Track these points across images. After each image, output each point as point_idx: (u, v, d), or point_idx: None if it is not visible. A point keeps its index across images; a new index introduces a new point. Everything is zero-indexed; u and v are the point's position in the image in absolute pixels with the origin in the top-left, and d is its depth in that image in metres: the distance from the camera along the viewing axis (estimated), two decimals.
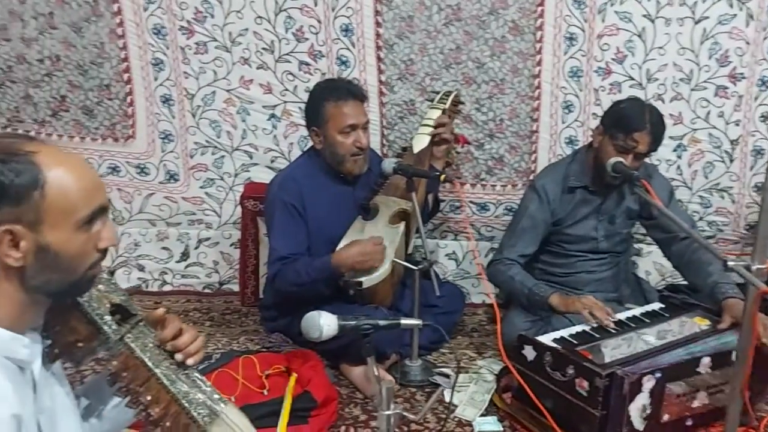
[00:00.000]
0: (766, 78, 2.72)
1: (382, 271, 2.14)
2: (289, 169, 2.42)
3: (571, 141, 2.84)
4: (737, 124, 2.78)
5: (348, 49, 2.78)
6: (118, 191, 2.99)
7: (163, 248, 3.04)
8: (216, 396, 1.24)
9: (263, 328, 2.56)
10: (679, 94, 2.76)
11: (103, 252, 1.07)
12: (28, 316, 1.05)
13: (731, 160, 2.83)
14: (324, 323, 1.25)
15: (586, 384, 1.77)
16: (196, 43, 2.79)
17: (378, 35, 2.76)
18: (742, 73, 2.71)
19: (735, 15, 2.64)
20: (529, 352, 1.94)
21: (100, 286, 1.21)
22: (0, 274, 0.99)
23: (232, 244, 3.01)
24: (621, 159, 2.18)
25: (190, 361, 1.20)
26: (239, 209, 2.91)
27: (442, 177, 2.08)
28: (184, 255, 3.04)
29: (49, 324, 1.13)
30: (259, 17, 2.75)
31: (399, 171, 2.11)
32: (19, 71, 2.86)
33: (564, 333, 2.03)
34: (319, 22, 2.75)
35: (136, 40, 2.79)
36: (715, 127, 2.79)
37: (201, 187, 2.97)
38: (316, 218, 2.27)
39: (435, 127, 2.41)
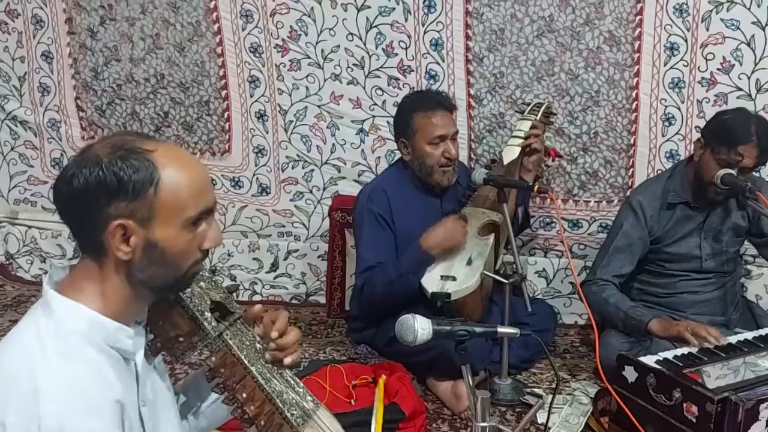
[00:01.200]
0: None
1: (472, 283, 2.09)
2: (377, 180, 2.43)
3: (672, 155, 2.70)
4: None
5: (437, 63, 2.78)
6: None
7: (254, 259, 3.12)
8: (309, 398, 1.24)
9: (349, 340, 2.56)
10: None
11: (206, 252, 1.09)
12: (133, 309, 1.08)
13: None
14: (419, 326, 1.22)
15: (695, 409, 1.65)
16: (290, 61, 2.88)
17: (468, 48, 2.75)
18: None
19: None
20: (630, 374, 1.82)
21: (202, 284, 1.24)
22: (110, 267, 1.03)
23: (319, 256, 3.05)
24: (731, 171, 2.04)
25: (288, 361, 1.20)
26: (327, 222, 2.95)
27: (536, 187, 2.02)
28: (274, 266, 3.11)
29: (152, 319, 1.17)
30: (351, 34, 2.80)
31: (490, 181, 2.07)
32: (128, 89, 3.04)
33: (668, 354, 1.91)
34: (409, 37, 2.77)
35: (234, 59, 2.92)
36: None
37: (291, 200, 3.04)
38: (403, 229, 2.26)
39: (526, 138, 2.36)
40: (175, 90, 3.01)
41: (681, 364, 1.84)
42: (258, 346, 1.24)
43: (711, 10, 2.53)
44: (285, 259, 3.10)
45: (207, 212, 1.07)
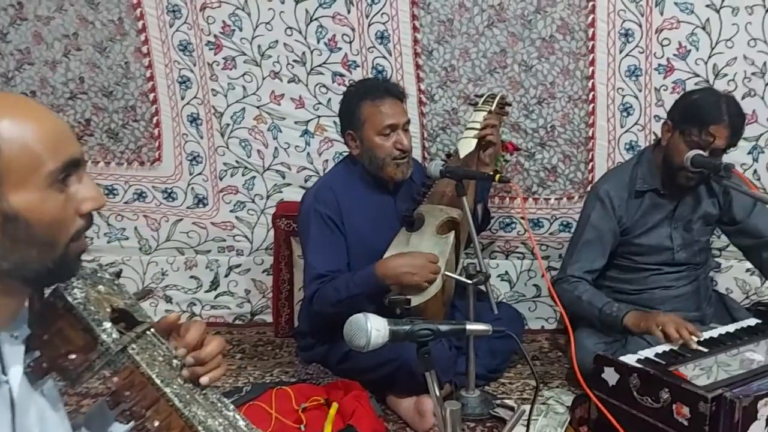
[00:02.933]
0: None
1: (433, 286, 1.89)
2: (324, 178, 2.22)
3: (631, 147, 2.57)
4: None
5: (384, 57, 2.60)
6: (144, 218, 2.83)
7: (192, 277, 2.84)
8: (242, 423, 1.00)
9: (299, 359, 2.31)
10: (752, 90, 2.49)
11: (88, 218, 0.85)
12: (1, 312, 0.83)
13: None
14: (372, 327, 1.01)
15: (686, 410, 1.47)
16: (224, 58, 2.65)
17: (416, 41, 2.58)
18: None
19: None
20: (611, 376, 1.64)
21: (101, 287, 1.00)
22: None
23: (264, 271, 2.79)
24: (701, 152, 1.91)
25: (204, 380, 0.97)
26: (272, 233, 2.70)
27: (497, 177, 1.84)
28: (214, 284, 2.83)
29: (36, 332, 0.92)
30: (290, 28, 2.60)
31: (447, 173, 1.88)
32: (43, 96, 2.74)
33: (648, 353, 1.74)
34: (353, 30, 2.59)
35: (162, 58, 2.67)
36: None
37: (231, 211, 2.79)
38: (355, 231, 2.05)
39: (481, 130, 2.19)
40: (96, 95, 2.73)
41: (665, 362, 1.67)
42: (175, 362, 1.00)
43: None
44: (226, 275, 2.83)
45: (73, 164, 0.84)
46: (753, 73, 2.47)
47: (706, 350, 1.75)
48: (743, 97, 2.48)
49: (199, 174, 2.77)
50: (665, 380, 1.52)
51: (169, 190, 2.79)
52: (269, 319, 2.77)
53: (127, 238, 2.84)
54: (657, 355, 1.73)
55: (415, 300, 1.85)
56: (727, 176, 1.77)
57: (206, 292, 2.83)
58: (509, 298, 2.71)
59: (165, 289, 2.82)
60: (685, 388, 1.48)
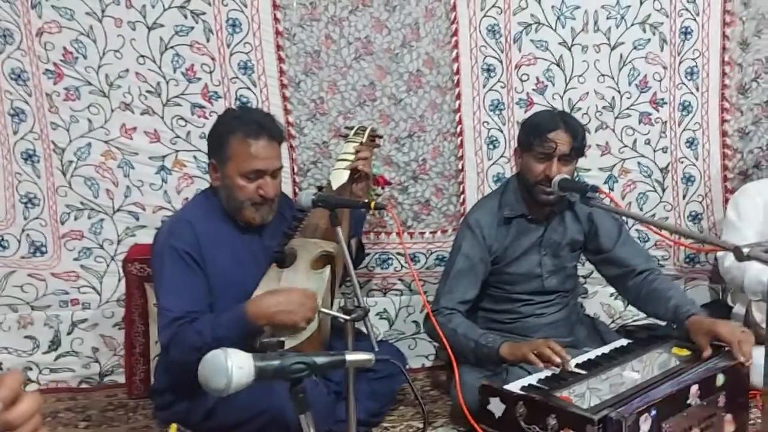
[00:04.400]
0: (687, 102, 2.65)
1: (309, 326, 1.72)
2: (181, 211, 2.00)
3: (499, 179, 2.62)
4: (665, 151, 2.68)
5: (248, 88, 2.47)
6: None
7: (27, 337, 2.45)
8: None
9: (156, 421, 2.02)
10: (603, 123, 2.64)
11: None
12: None
13: (663, 189, 2.71)
14: (233, 364, 0.83)
15: None
16: (66, 89, 2.38)
17: (282, 72, 2.48)
18: (663, 99, 2.63)
19: (649, 40, 2.59)
20: (497, 406, 1.57)
21: None
22: None
23: (115, 325, 2.47)
24: (566, 176, 1.95)
25: None
26: (123, 282, 2.40)
27: (372, 204, 1.73)
28: (54, 344, 2.46)
29: None
30: (142, 56, 2.39)
31: (319, 203, 1.75)
32: None
33: (531, 380, 1.69)
34: (213, 59, 2.43)
35: None
36: (643, 156, 2.68)
37: (75, 260, 2.46)
38: (217, 269, 1.83)
39: (354, 161, 2.10)
40: None
41: (548, 387, 1.63)
42: None
43: (521, 32, 2.54)
44: (69, 333, 2.47)
45: None
46: (604, 107, 2.63)
47: (585, 372, 1.73)
48: (596, 130, 2.63)
49: (36, 218, 2.43)
50: (551, 405, 1.47)
51: (0, 238, 2.42)
52: (121, 379, 2.44)
53: None
54: (540, 381, 1.68)
55: (290, 342, 1.68)
56: (593, 196, 1.80)
57: (44, 353, 2.45)
58: (388, 336, 2.61)
59: None
60: (572, 412, 1.44)
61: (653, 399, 1.51)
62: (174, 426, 1.61)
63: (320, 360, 0.92)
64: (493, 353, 1.94)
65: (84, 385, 2.46)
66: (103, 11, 2.34)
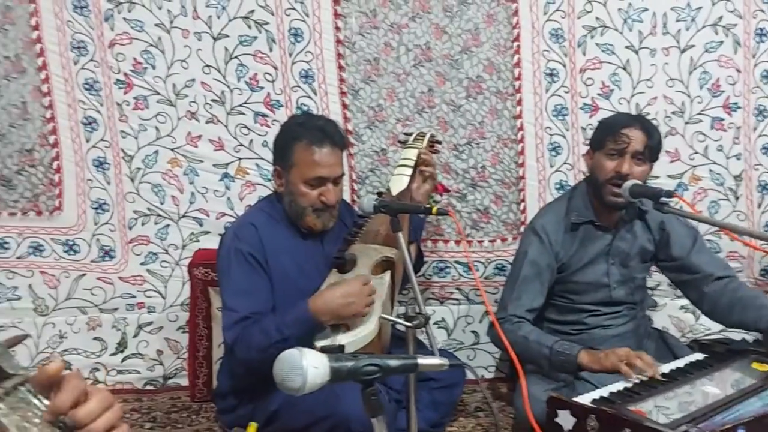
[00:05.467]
0: (762, 107, 2.53)
1: (369, 331, 1.71)
2: (245, 215, 2.03)
3: (561, 186, 2.55)
4: (738, 158, 2.55)
5: (309, 96, 2.49)
6: (41, 274, 2.51)
7: (95, 339, 2.53)
8: None
9: (219, 424, 2.04)
10: (673, 129, 2.54)
11: None
12: None
13: (737, 198, 2.58)
14: (308, 364, 0.83)
15: None
16: (135, 98, 2.46)
17: (342, 80, 2.49)
18: (736, 103, 2.52)
19: (721, 42, 2.48)
20: (566, 419, 1.51)
21: None
22: None
23: (179, 328, 2.52)
24: (637, 181, 1.88)
25: None
26: (188, 287, 2.46)
27: (434, 209, 1.71)
28: (121, 346, 2.53)
29: None
30: (207, 66, 2.45)
31: (382, 208, 1.74)
32: None
33: (602, 392, 1.62)
34: (275, 68, 2.47)
35: (65, 98, 2.44)
36: (715, 162, 2.56)
37: (142, 264, 2.53)
38: (280, 272, 1.85)
39: (415, 167, 2.09)
40: None
41: (620, 401, 1.56)
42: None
43: (585, 35, 2.48)
44: (135, 336, 2.54)
45: None
46: (673, 112, 2.53)
47: (659, 387, 1.65)
48: (665, 136, 2.52)
49: (106, 223, 2.51)
50: (626, 419, 1.40)
51: (71, 242, 2.51)
52: (185, 382, 2.49)
53: (20, 298, 2.51)
54: (611, 394, 1.61)
55: (350, 346, 1.67)
56: (666, 203, 1.73)
57: (112, 355, 2.52)
58: (447, 346, 2.57)
59: (63, 353, 2.49)
60: (649, 427, 1.36)
61: (742, 417, 1.42)
62: (254, 425, 1.61)
63: (393, 363, 0.90)
64: (571, 360, 1.86)
65: (149, 387, 2.53)
66: (171, 22, 2.41)
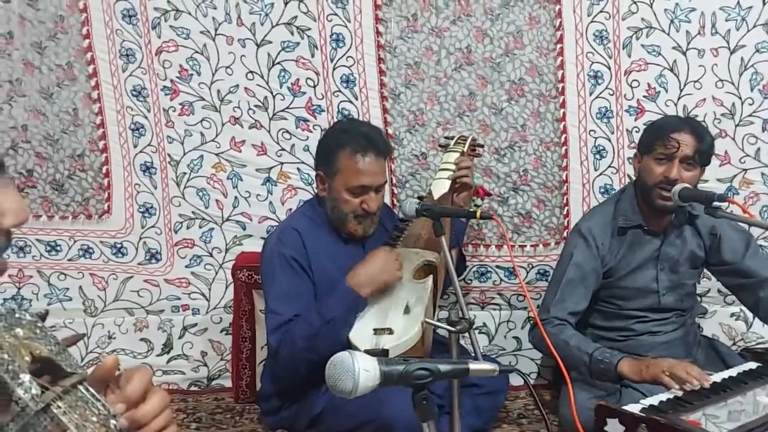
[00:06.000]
0: None
1: (412, 335, 1.71)
2: (288, 219, 2.06)
3: (606, 190, 2.51)
4: None
5: (350, 101, 2.51)
6: (90, 276, 2.59)
7: (142, 340, 2.59)
8: None
9: (262, 426, 2.07)
10: (722, 131, 2.47)
11: (6, 235, 0.68)
12: None
13: None
14: (360, 367, 0.83)
15: None
16: (181, 104, 2.51)
17: (382, 84, 2.50)
18: None
19: None
20: (615, 428, 1.48)
21: (19, 331, 0.79)
22: None
23: (223, 330, 2.57)
24: (687, 185, 1.84)
25: None
26: (231, 289, 2.50)
27: (478, 213, 1.70)
28: (167, 347, 2.59)
29: None
30: (251, 72, 2.49)
31: (424, 212, 1.74)
32: None
33: (651, 401, 1.58)
34: (317, 74, 2.49)
35: (113, 104, 2.51)
36: (767, 166, 2.48)
37: (187, 267, 2.58)
38: (323, 276, 1.87)
39: (456, 171, 2.08)
40: (41, 143, 2.53)
41: (671, 411, 1.52)
42: (113, 423, 0.80)
43: (631, 36, 2.43)
44: (180, 337, 2.59)
45: None
46: (722, 114, 2.46)
47: (712, 397, 1.60)
48: (714, 138, 2.46)
49: (152, 227, 2.57)
50: (678, 429, 1.37)
51: (119, 245, 2.58)
52: (228, 383, 2.53)
53: (71, 299, 2.59)
54: (661, 403, 1.58)
55: (393, 350, 1.67)
56: (720, 205, 1.68)
57: (158, 356, 2.58)
58: (488, 351, 2.55)
59: (111, 354, 2.56)
60: None
61: None
62: None
63: (444, 367, 0.90)
64: (611, 369, 1.83)
65: (193, 388, 2.57)
66: (216, 30, 2.45)
